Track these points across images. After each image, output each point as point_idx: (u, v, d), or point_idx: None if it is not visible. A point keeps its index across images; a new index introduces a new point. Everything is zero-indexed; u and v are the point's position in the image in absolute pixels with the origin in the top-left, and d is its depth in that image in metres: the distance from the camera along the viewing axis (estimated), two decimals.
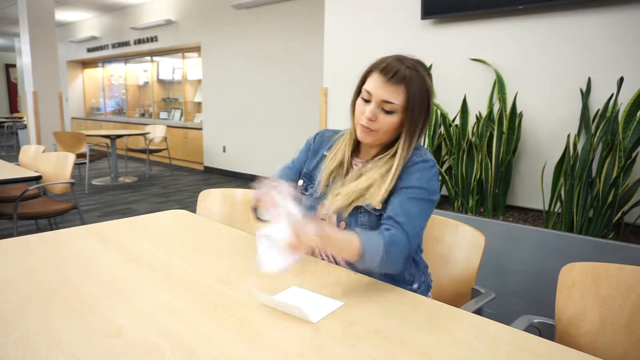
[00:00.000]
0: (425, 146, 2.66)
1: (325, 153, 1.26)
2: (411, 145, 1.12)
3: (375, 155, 1.17)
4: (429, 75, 1.13)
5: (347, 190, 1.14)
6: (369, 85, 1.10)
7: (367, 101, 1.10)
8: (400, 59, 1.10)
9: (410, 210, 1.06)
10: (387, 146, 1.16)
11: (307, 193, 1.24)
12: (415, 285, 1.18)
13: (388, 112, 1.08)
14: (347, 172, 1.20)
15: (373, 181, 1.12)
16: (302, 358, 0.74)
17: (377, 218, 1.11)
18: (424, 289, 1.22)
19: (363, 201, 1.12)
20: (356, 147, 1.23)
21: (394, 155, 1.13)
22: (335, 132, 1.30)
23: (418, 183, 1.09)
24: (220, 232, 1.45)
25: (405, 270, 1.17)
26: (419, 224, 1.07)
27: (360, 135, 1.14)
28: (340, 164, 1.20)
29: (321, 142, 1.30)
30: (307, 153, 1.31)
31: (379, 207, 1.10)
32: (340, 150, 1.22)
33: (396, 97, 1.07)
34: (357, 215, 1.13)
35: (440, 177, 2.57)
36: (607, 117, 2.01)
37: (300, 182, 1.27)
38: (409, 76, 1.06)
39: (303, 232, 0.88)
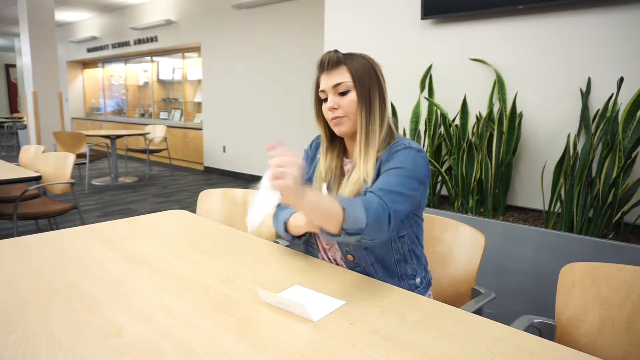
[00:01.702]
0: (425, 146, 2.66)
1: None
2: (371, 116, 1.13)
3: None
4: (367, 56, 1.19)
5: (347, 190, 1.14)
6: (320, 86, 1.17)
7: (326, 99, 1.16)
8: (330, 50, 1.17)
9: (388, 180, 1.06)
10: None
11: None
12: (417, 280, 1.19)
13: (344, 93, 1.14)
14: (342, 175, 1.22)
15: (361, 169, 1.13)
16: (303, 358, 0.74)
17: None
18: (425, 285, 1.22)
19: (357, 193, 1.12)
20: (344, 149, 1.25)
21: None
22: None
23: (399, 164, 1.08)
24: (220, 232, 1.45)
25: (408, 265, 1.18)
26: (398, 190, 1.04)
27: (335, 129, 1.17)
28: (331, 169, 1.22)
29: (317, 148, 1.31)
30: (307, 161, 1.33)
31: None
32: (322, 157, 1.24)
33: (342, 76, 1.13)
34: None
35: (440, 177, 2.58)
36: (607, 117, 2.01)
37: None
38: (344, 57, 1.15)
39: (284, 170, 0.85)
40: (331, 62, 1.14)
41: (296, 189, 0.86)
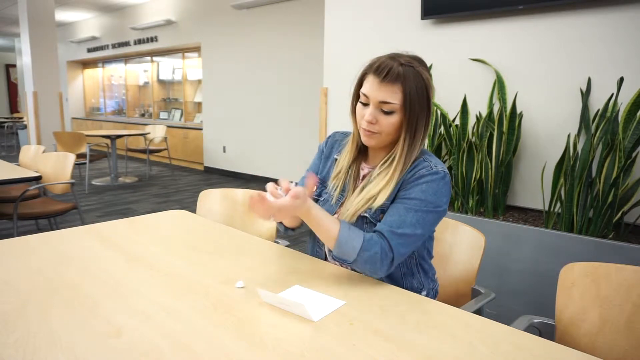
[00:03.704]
0: (425, 146, 2.66)
1: (336, 157, 1.24)
2: (413, 144, 1.08)
3: (383, 158, 1.15)
4: (426, 69, 1.09)
5: (356, 202, 1.12)
6: (365, 88, 1.08)
7: (365, 104, 1.09)
8: (393, 56, 1.06)
9: (405, 217, 1.04)
10: (394, 147, 1.13)
11: (321, 199, 1.23)
12: (424, 293, 1.17)
13: (387, 113, 1.05)
14: (357, 178, 1.19)
15: (380, 189, 1.10)
16: (302, 358, 0.74)
17: None
18: (432, 296, 1.21)
19: (368, 209, 1.10)
20: (364, 151, 1.21)
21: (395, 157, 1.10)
22: (346, 134, 1.28)
23: (421, 195, 1.05)
24: (220, 232, 1.45)
25: (414, 279, 1.17)
26: (410, 232, 1.03)
27: (363, 139, 1.12)
28: (348, 170, 1.19)
29: (332, 145, 1.28)
30: (320, 158, 1.29)
31: (381, 211, 1.09)
32: (346, 157, 1.20)
33: (393, 96, 1.04)
34: (362, 226, 1.12)
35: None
36: (607, 117, 2.01)
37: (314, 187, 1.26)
38: (404, 73, 1.03)
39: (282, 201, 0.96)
40: (390, 75, 1.02)
41: (296, 211, 0.99)
